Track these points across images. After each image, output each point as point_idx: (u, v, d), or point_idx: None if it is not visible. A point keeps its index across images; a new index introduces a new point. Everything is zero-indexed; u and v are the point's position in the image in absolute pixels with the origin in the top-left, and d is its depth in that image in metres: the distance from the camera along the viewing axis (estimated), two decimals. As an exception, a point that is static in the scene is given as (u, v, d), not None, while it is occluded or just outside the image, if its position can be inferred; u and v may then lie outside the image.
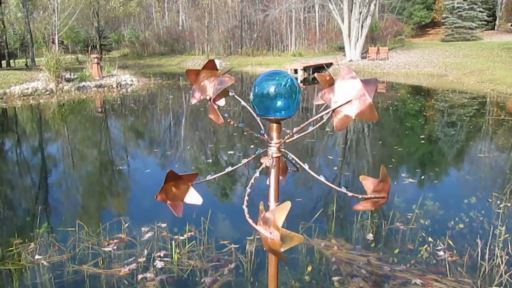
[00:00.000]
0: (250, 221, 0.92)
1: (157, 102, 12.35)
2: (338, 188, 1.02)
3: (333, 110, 0.93)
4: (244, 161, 1.14)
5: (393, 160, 5.46)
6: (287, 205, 0.83)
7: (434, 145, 6.46)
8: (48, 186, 4.95)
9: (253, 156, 1.14)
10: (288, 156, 1.12)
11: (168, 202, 1.03)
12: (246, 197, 1.01)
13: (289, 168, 1.24)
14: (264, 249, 0.88)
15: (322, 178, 1.01)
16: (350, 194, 0.98)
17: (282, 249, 0.84)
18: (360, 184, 1.00)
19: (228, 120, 1.06)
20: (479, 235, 3.14)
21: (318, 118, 1.01)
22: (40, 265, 2.81)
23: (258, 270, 2.73)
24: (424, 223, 3.41)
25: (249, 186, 1.03)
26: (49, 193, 4.67)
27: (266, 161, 1.08)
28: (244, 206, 0.98)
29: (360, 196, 0.99)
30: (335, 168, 5.16)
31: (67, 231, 3.30)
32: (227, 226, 3.50)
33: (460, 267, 2.70)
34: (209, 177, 1.09)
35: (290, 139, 1.07)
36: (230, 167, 1.11)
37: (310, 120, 1.00)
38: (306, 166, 1.06)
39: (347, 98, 0.91)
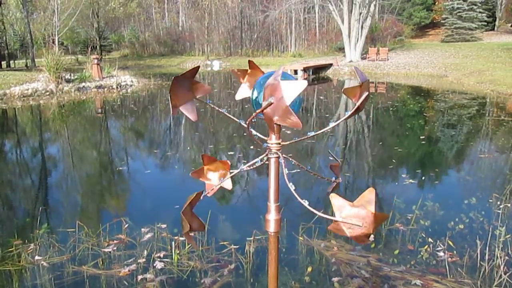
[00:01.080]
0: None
1: (157, 103, 12.35)
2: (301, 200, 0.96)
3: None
4: (246, 164, 1.14)
5: (394, 161, 5.46)
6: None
7: (434, 146, 6.46)
8: (48, 186, 4.95)
9: (254, 161, 1.14)
10: (287, 157, 1.12)
11: (206, 181, 1.14)
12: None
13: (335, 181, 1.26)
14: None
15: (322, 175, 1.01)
16: (316, 212, 0.91)
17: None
18: (358, 191, 1.00)
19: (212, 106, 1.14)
20: (479, 235, 3.14)
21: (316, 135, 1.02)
22: (40, 266, 2.81)
23: (258, 271, 2.73)
24: (424, 223, 3.40)
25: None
26: (49, 194, 4.67)
27: (263, 161, 1.10)
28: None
29: (330, 218, 0.89)
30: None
31: (67, 232, 3.30)
32: (227, 227, 3.50)
33: (460, 267, 2.70)
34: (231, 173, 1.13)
35: (290, 142, 1.08)
36: (238, 167, 1.14)
37: (312, 134, 1.01)
38: (307, 167, 1.06)
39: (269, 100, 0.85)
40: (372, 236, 3.09)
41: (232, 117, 1.17)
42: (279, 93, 0.80)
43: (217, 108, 1.16)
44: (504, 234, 3.08)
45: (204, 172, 1.16)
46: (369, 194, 0.84)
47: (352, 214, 0.85)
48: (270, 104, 0.81)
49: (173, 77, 1.00)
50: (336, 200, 0.88)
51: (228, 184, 1.15)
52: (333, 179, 1.23)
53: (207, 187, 1.14)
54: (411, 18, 32.23)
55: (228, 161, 1.17)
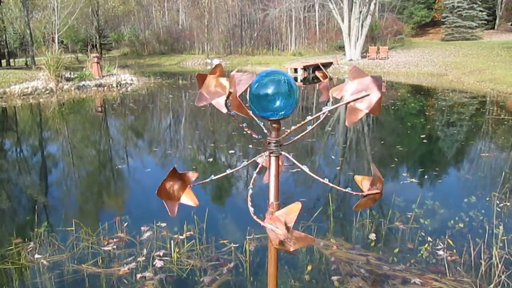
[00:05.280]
0: (258, 220, 0.93)
1: (157, 101, 12.35)
2: (340, 188, 1.05)
3: (347, 104, 0.98)
4: (244, 163, 1.14)
5: (396, 159, 5.46)
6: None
7: (434, 145, 6.46)
8: (48, 185, 4.95)
9: (252, 160, 1.14)
10: (287, 155, 1.12)
11: (164, 199, 1.01)
12: (249, 198, 1.01)
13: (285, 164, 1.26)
14: (274, 246, 0.91)
15: (326, 181, 1.03)
16: (353, 193, 1.02)
17: (292, 249, 0.90)
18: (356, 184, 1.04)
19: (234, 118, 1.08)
20: (478, 234, 3.14)
21: (314, 118, 1.03)
22: (40, 264, 2.81)
23: (258, 270, 2.73)
24: (424, 222, 3.41)
25: (250, 185, 1.04)
26: (49, 192, 4.67)
27: (262, 161, 1.09)
28: (249, 206, 1.00)
29: (359, 194, 1.02)
30: (338, 168, 5.17)
31: (66, 231, 3.30)
32: (226, 225, 3.50)
33: (459, 266, 2.71)
34: (211, 178, 1.09)
35: (289, 142, 1.08)
36: (229, 169, 1.12)
37: (308, 119, 1.02)
38: (306, 168, 1.05)
39: (361, 93, 0.96)
40: (373, 235, 3.10)
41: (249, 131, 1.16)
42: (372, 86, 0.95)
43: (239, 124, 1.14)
44: (503, 233, 3.08)
45: (165, 190, 1.02)
46: (374, 168, 1.03)
47: (373, 184, 1.02)
48: (367, 95, 0.95)
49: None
50: (358, 178, 1.06)
51: (191, 201, 1.04)
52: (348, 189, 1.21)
53: (167, 207, 1.01)
54: (412, 16, 32.21)
55: (195, 173, 1.05)
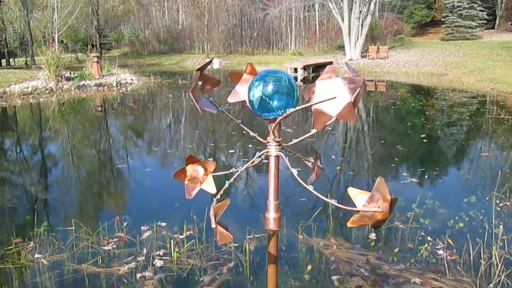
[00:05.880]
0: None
1: (157, 101, 12.35)
2: (324, 198, 0.99)
3: (312, 107, 0.92)
4: (249, 163, 1.14)
5: (396, 159, 5.46)
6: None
7: (434, 144, 6.46)
8: (48, 184, 4.95)
9: (254, 159, 1.14)
10: (283, 155, 1.12)
11: (186, 182, 1.08)
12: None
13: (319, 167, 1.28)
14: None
15: (310, 188, 1.01)
16: (341, 206, 0.94)
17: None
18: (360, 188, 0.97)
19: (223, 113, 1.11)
20: (478, 234, 3.14)
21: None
22: (40, 264, 2.81)
23: (258, 269, 2.73)
24: (424, 222, 3.41)
25: (218, 196, 1.07)
26: (49, 192, 4.67)
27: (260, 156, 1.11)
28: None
29: (351, 209, 0.93)
30: (338, 168, 5.16)
31: (66, 230, 3.30)
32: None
33: (459, 266, 2.71)
34: (227, 183, 1.11)
35: (289, 143, 1.08)
36: (237, 167, 1.14)
37: (308, 134, 1.02)
38: (295, 171, 1.06)
39: (329, 96, 0.89)
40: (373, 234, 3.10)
41: (244, 127, 1.16)
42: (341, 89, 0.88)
43: (230, 117, 1.14)
44: (503, 232, 3.08)
45: (186, 173, 1.11)
46: (381, 182, 0.89)
47: (370, 200, 0.90)
48: (333, 98, 0.88)
49: (194, 72, 1.02)
50: (352, 191, 0.94)
51: (211, 188, 1.10)
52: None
53: (187, 189, 1.10)
54: (412, 16, 32.21)
55: (214, 163, 1.12)
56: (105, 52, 33.73)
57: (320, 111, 0.89)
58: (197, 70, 1.02)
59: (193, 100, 0.99)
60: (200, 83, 1.05)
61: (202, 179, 1.10)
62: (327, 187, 4.47)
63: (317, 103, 0.89)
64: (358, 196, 0.93)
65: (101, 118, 9.69)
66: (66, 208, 4.07)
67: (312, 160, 1.21)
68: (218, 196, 1.06)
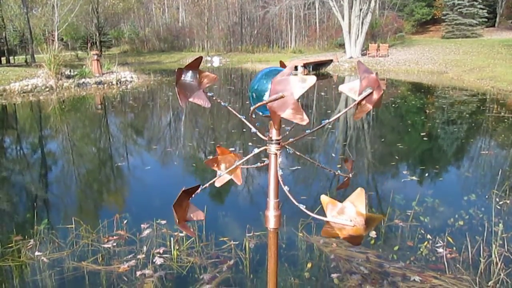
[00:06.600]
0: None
1: (157, 99, 12.34)
2: (296, 203, 0.97)
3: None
4: (244, 159, 1.14)
5: (396, 157, 5.46)
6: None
7: (434, 142, 6.46)
8: (48, 182, 4.95)
9: (250, 156, 1.14)
10: (289, 151, 1.13)
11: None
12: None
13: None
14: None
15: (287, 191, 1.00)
16: (308, 212, 0.92)
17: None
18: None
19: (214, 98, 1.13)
20: (478, 232, 3.14)
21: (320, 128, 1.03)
22: (40, 261, 2.82)
23: (258, 267, 2.74)
24: (424, 220, 3.41)
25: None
26: (49, 189, 4.68)
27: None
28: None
29: (321, 218, 0.88)
30: (338, 166, 5.16)
31: (66, 228, 3.30)
32: (226, 223, 3.50)
33: (459, 264, 2.71)
34: (241, 183, 1.16)
35: (288, 141, 1.07)
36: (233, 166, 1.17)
37: (314, 129, 1.02)
38: (280, 172, 1.06)
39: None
40: (373, 232, 3.10)
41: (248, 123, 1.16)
42: (289, 88, 0.80)
43: (233, 111, 1.17)
44: (503, 231, 3.08)
45: (217, 162, 1.21)
46: (359, 194, 0.82)
47: (341, 212, 0.84)
48: (281, 97, 0.81)
49: (177, 70, 1.02)
50: (325, 199, 0.88)
51: (238, 180, 1.18)
52: (338, 172, 1.29)
53: (218, 177, 1.18)
54: (412, 14, 32.17)
55: (240, 154, 1.20)
56: (105, 50, 33.69)
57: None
58: (180, 68, 1.03)
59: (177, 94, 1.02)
60: (190, 79, 1.06)
61: (231, 171, 1.18)
62: (326, 185, 4.48)
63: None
64: (329, 205, 0.87)
65: (101, 116, 9.68)
66: (66, 206, 4.07)
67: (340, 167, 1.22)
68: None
